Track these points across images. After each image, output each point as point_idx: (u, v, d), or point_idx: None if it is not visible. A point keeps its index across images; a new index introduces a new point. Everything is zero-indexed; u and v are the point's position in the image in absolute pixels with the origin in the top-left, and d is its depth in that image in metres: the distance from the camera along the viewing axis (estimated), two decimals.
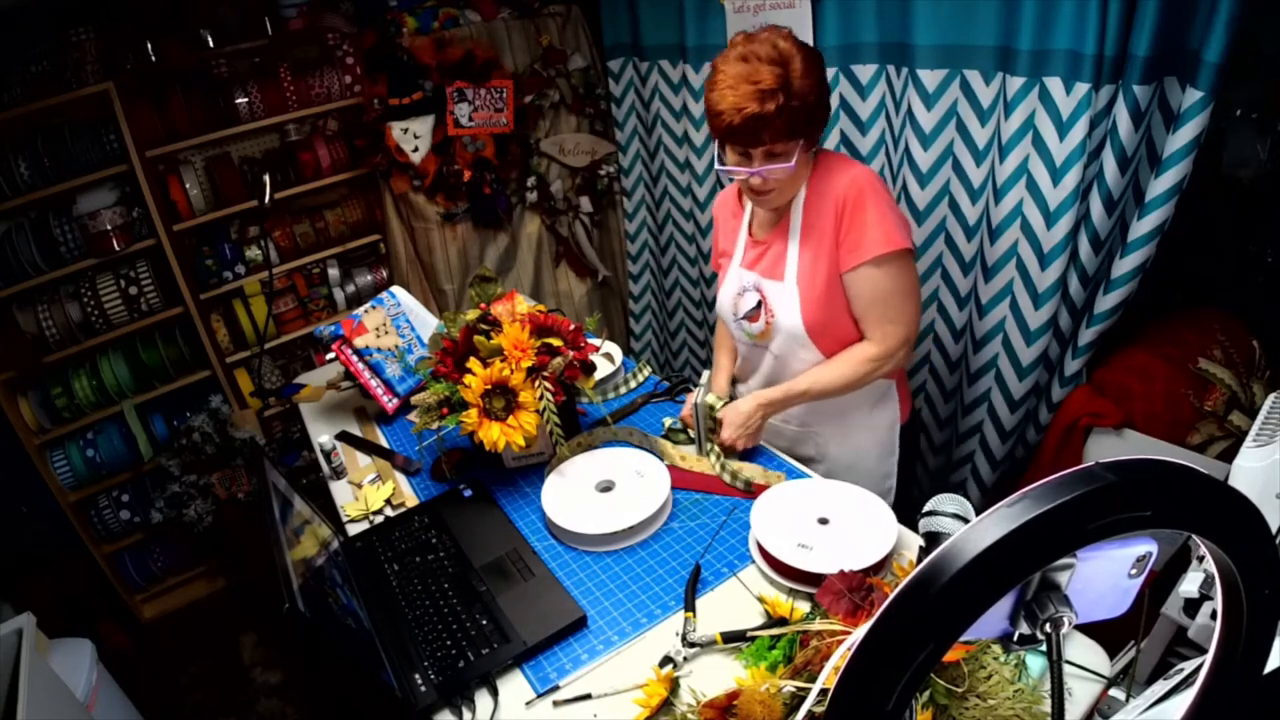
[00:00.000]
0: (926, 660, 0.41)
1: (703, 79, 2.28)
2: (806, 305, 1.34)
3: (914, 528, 1.17)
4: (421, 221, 2.65)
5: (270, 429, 2.79)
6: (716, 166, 1.34)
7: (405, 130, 2.49)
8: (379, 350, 1.73)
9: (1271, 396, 1.25)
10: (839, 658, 0.85)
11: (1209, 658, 0.54)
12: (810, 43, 1.89)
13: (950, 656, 0.89)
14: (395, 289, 1.83)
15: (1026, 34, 1.47)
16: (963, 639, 0.44)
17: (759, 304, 1.41)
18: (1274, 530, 0.75)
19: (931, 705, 0.86)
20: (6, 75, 2.17)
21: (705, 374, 1.53)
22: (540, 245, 2.87)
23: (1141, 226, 1.44)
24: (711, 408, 1.46)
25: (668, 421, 1.58)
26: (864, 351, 1.34)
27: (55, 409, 2.40)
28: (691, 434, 1.51)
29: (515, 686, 1.06)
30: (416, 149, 2.52)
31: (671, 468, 1.41)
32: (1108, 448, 1.62)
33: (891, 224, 1.25)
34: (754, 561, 1.19)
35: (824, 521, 1.18)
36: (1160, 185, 1.38)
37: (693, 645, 1.04)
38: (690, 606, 1.11)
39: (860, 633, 0.46)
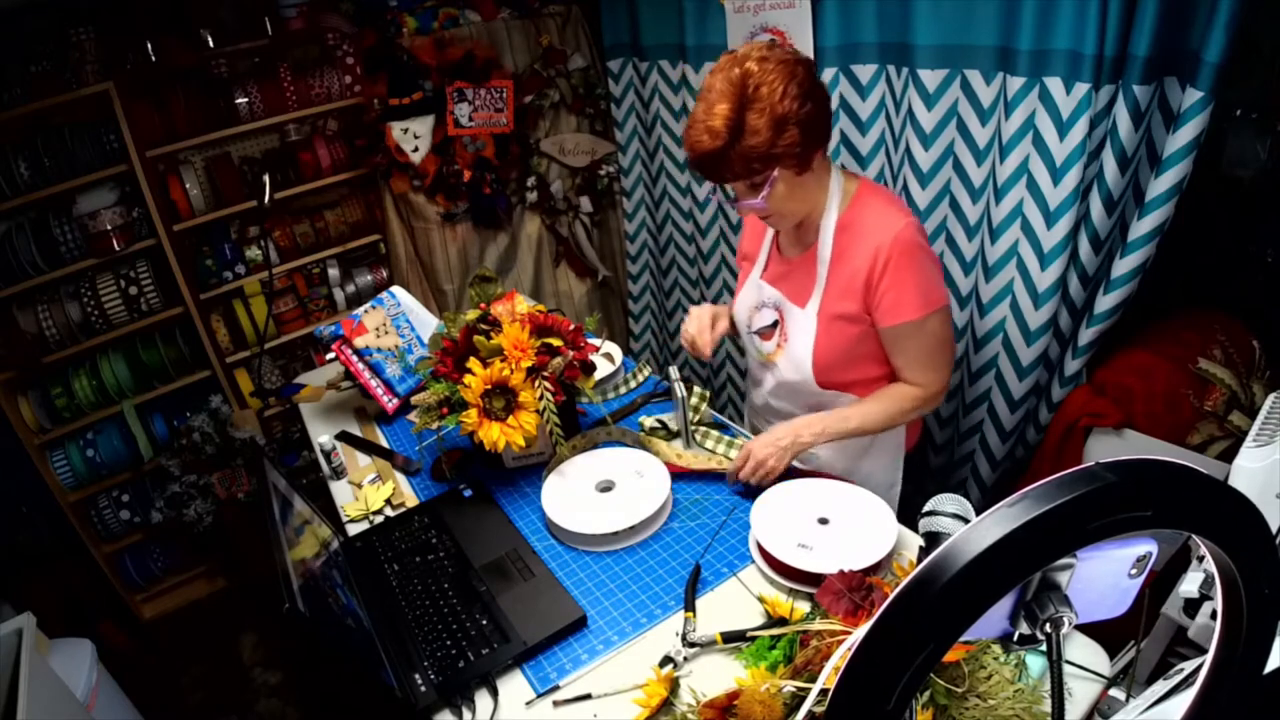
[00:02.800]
0: (926, 660, 0.41)
1: (702, 79, 2.28)
2: (821, 340, 1.32)
3: (914, 528, 1.17)
4: (421, 221, 2.65)
5: (270, 429, 2.79)
6: (708, 194, 1.35)
7: (405, 130, 2.49)
8: (379, 350, 1.73)
9: (1271, 396, 1.25)
10: (839, 658, 0.85)
11: (1209, 658, 0.54)
12: (810, 43, 1.89)
13: (950, 656, 0.89)
14: (395, 289, 1.83)
15: (1026, 34, 1.47)
16: (963, 639, 0.44)
17: (775, 324, 1.40)
18: (1274, 530, 0.75)
19: (931, 705, 0.86)
20: (6, 75, 2.17)
21: (673, 370, 1.55)
22: (540, 245, 2.87)
23: (1141, 226, 1.44)
24: (701, 396, 1.51)
25: (646, 421, 1.58)
26: (907, 391, 1.32)
27: (55, 409, 2.40)
28: (673, 427, 1.54)
29: (515, 686, 1.06)
30: (416, 149, 2.52)
31: (671, 465, 1.41)
32: (1108, 448, 1.62)
33: (932, 283, 1.25)
34: (754, 561, 1.20)
35: (824, 521, 1.18)
36: (1160, 185, 1.38)
37: (693, 645, 1.04)
38: (690, 606, 1.11)
39: (860, 633, 0.46)
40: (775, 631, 1.02)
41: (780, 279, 1.40)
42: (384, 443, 1.69)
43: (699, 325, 1.45)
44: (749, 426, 1.70)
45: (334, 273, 2.78)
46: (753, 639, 1.03)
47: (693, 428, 1.50)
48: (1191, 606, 1.10)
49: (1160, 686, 0.84)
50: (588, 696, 1.01)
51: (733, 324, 1.57)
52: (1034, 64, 1.48)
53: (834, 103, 1.93)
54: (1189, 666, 0.85)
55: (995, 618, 0.52)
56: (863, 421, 1.32)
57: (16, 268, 2.24)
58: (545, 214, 2.83)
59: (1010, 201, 1.63)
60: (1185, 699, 0.56)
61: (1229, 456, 1.22)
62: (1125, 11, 1.32)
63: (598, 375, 1.69)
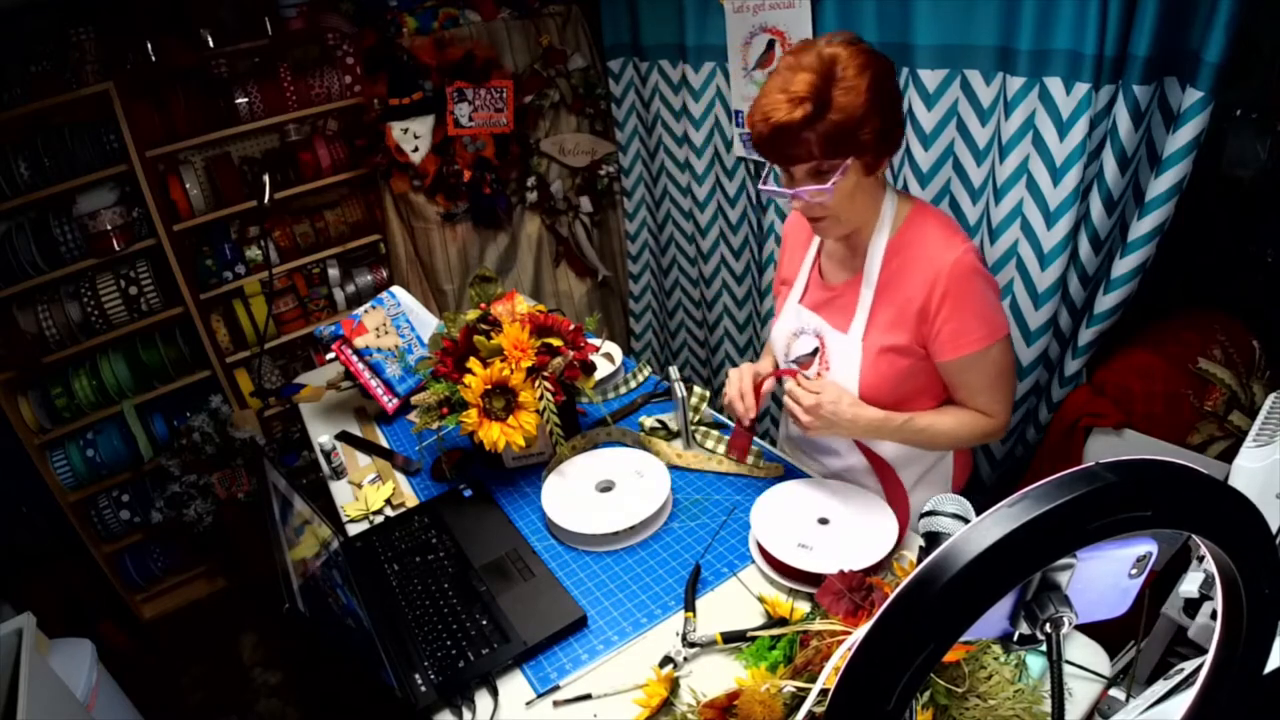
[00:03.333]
0: (927, 660, 0.41)
1: (702, 79, 2.29)
2: (868, 374, 1.21)
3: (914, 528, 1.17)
4: (421, 221, 2.65)
5: (270, 429, 2.79)
6: (759, 186, 1.26)
7: (405, 130, 2.49)
8: (379, 350, 1.73)
9: (1271, 396, 1.25)
10: (839, 658, 0.85)
11: (1209, 658, 0.54)
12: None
13: (950, 656, 0.89)
14: (395, 289, 1.83)
15: (1026, 34, 1.47)
16: (963, 639, 0.44)
17: (815, 351, 1.30)
18: (1274, 530, 0.75)
19: (931, 705, 0.86)
20: (6, 75, 2.17)
21: (673, 369, 1.54)
22: (540, 245, 2.87)
23: (1141, 226, 1.44)
24: (701, 397, 1.50)
25: (646, 421, 1.58)
26: (977, 415, 1.22)
27: (55, 409, 2.40)
28: (673, 427, 1.54)
29: (515, 686, 1.06)
30: (416, 149, 2.52)
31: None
32: (1108, 448, 1.62)
33: (993, 311, 1.17)
34: (754, 561, 1.19)
35: (824, 521, 1.18)
36: (1160, 185, 1.38)
37: (693, 645, 1.04)
38: (690, 606, 1.11)
39: (860, 633, 0.46)
40: (775, 632, 1.02)
41: (822, 305, 1.29)
42: (384, 443, 1.69)
43: (740, 389, 1.27)
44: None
45: (334, 273, 2.78)
46: (753, 639, 1.03)
47: (693, 428, 1.50)
48: (1191, 606, 1.10)
49: (1160, 686, 0.84)
50: (588, 696, 1.01)
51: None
52: (1034, 64, 1.48)
53: None
54: (1189, 666, 0.85)
55: (995, 618, 0.52)
56: (927, 429, 1.21)
57: (16, 268, 2.24)
58: (545, 214, 2.83)
59: (1010, 201, 1.63)
60: (1185, 699, 0.56)
61: (1229, 456, 1.22)
62: (1125, 11, 1.32)
63: (598, 375, 1.68)
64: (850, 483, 1.30)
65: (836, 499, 1.23)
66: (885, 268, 1.19)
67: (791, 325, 1.34)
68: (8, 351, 2.29)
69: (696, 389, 1.53)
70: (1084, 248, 1.56)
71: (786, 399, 1.19)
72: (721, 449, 1.45)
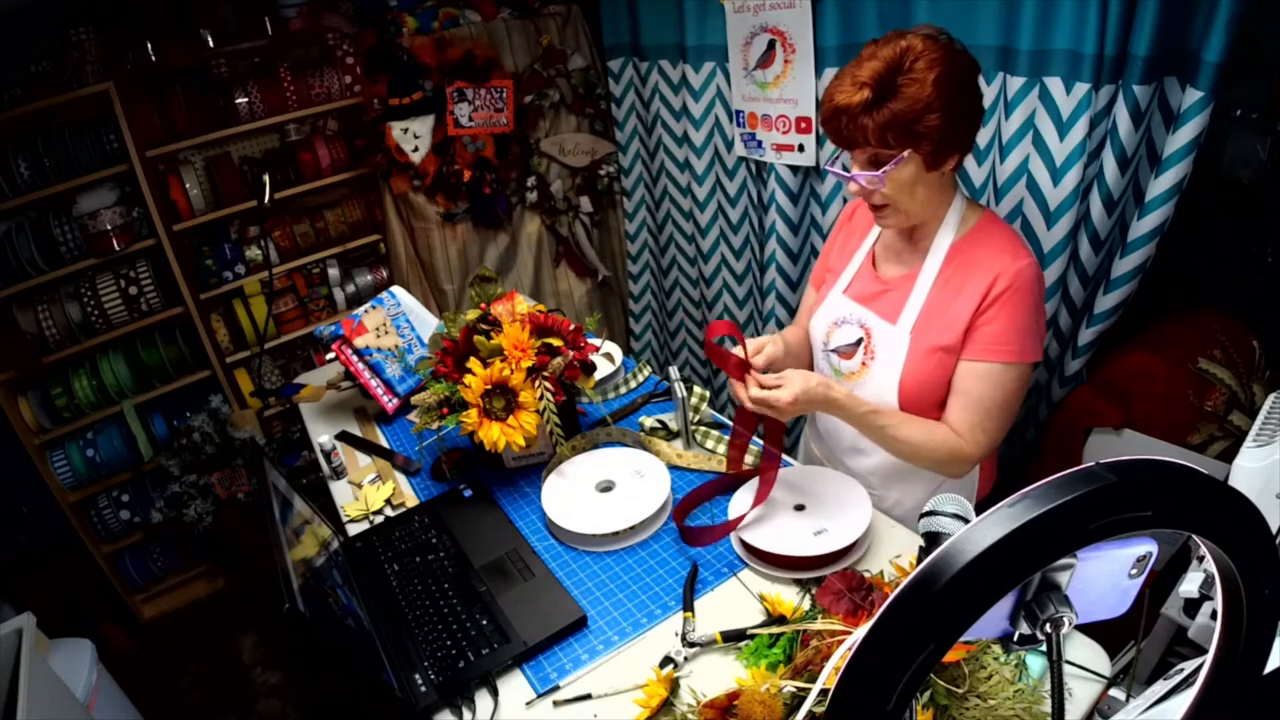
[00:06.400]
0: (927, 660, 0.41)
1: (703, 79, 2.29)
2: (914, 361, 1.19)
3: (914, 528, 1.17)
4: (421, 221, 2.65)
5: (270, 429, 2.79)
6: (824, 166, 1.25)
7: (405, 130, 2.49)
8: (379, 350, 1.73)
9: (1271, 396, 1.25)
10: (839, 658, 0.85)
11: (1209, 658, 0.54)
12: (810, 43, 1.89)
13: (950, 656, 0.89)
14: (395, 289, 1.83)
15: (1026, 34, 1.47)
16: (963, 639, 0.44)
17: (859, 341, 1.27)
18: (1274, 530, 0.75)
19: (931, 705, 0.86)
20: (6, 75, 2.17)
21: (673, 369, 1.55)
22: (540, 245, 2.87)
23: (1141, 226, 1.44)
24: (701, 397, 1.51)
25: (646, 421, 1.58)
26: (949, 436, 1.17)
27: (55, 409, 2.40)
28: (673, 427, 1.54)
29: (515, 686, 1.06)
30: (416, 149, 2.52)
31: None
32: (1108, 448, 1.62)
33: (1034, 333, 1.14)
34: (748, 565, 1.19)
35: (800, 508, 1.21)
36: (1160, 185, 1.38)
37: (692, 645, 1.04)
38: (689, 606, 1.11)
39: (860, 633, 0.47)
40: (775, 630, 1.02)
41: (872, 297, 1.28)
42: (384, 443, 1.69)
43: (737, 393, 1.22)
44: (805, 454, 1.59)
45: (334, 273, 2.79)
46: (752, 637, 1.03)
47: (693, 428, 1.50)
48: (1191, 606, 1.10)
49: (1160, 686, 0.84)
50: (588, 696, 1.01)
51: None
52: (1034, 64, 1.48)
53: None
54: (1189, 666, 0.85)
55: (995, 618, 0.52)
56: (886, 428, 1.16)
57: (16, 268, 2.24)
58: (545, 214, 2.83)
59: (1010, 201, 1.63)
60: (1185, 699, 0.56)
61: (1229, 456, 1.22)
62: (1125, 11, 1.32)
63: (598, 375, 1.68)
64: (816, 466, 1.33)
65: (804, 484, 1.26)
66: (946, 268, 1.19)
67: (834, 314, 1.32)
68: (8, 351, 2.29)
69: (696, 389, 1.53)
70: (1084, 248, 1.56)
71: (759, 404, 1.12)
72: (722, 449, 1.45)
